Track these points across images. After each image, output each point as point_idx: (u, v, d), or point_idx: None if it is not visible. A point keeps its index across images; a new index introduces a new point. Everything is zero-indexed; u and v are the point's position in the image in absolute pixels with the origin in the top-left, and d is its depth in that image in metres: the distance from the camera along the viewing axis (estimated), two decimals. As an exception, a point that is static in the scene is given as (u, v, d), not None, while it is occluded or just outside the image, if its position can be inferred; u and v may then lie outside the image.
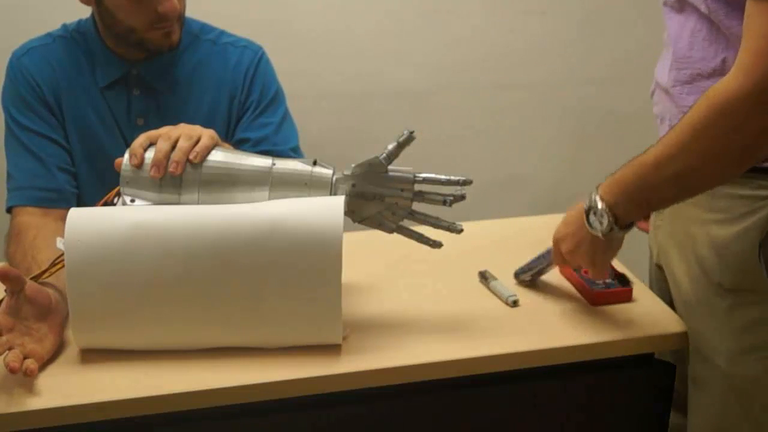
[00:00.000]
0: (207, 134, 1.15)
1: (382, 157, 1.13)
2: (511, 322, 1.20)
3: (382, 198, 1.15)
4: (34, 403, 1.02)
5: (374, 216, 1.16)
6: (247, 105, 1.51)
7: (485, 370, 1.13)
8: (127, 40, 1.42)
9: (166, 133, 1.14)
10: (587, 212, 1.10)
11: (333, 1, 2.11)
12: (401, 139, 1.13)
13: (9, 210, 1.40)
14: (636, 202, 1.05)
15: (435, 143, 2.14)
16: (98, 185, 1.41)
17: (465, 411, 1.17)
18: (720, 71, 1.04)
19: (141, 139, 1.14)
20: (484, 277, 1.30)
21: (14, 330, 1.06)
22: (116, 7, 1.38)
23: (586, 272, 1.28)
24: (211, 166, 1.13)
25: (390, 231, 1.18)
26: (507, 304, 1.24)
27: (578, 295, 1.27)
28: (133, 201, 1.12)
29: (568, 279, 1.31)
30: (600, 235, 1.09)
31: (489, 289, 1.28)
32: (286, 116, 1.55)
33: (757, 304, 1.08)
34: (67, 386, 1.05)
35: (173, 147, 1.13)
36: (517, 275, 1.30)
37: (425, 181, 1.14)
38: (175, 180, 1.12)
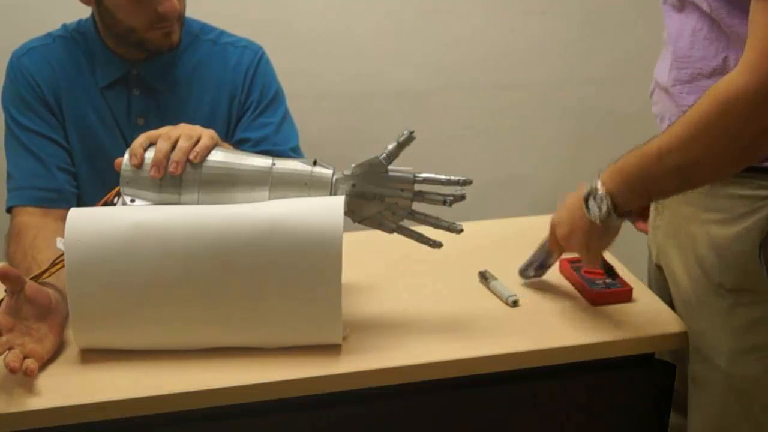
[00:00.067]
0: (207, 134, 1.15)
1: (382, 157, 1.13)
2: (511, 322, 1.20)
3: (382, 198, 1.15)
4: (34, 403, 1.02)
5: (374, 216, 1.16)
6: (247, 105, 1.51)
7: (485, 370, 1.13)
8: (127, 40, 1.42)
9: (166, 133, 1.14)
10: (587, 197, 1.10)
11: (333, 1, 2.11)
12: (401, 139, 1.13)
13: (9, 210, 1.40)
14: (637, 192, 1.07)
15: (435, 143, 2.14)
16: (98, 185, 1.41)
17: (465, 411, 1.17)
18: (720, 70, 1.04)
19: (141, 139, 1.14)
20: (484, 277, 1.30)
21: (14, 330, 1.06)
22: (116, 7, 1.38)
23: (586, 272, 1.28)
24: (211, 166, 1.13)
25: (390, 231, 1.18)
26: (507, 304, 1.24)
27: (578, 295, 1.27)
28: (133, 201, 1.12)
29: (568, 279, 1.31)
30: (597, 220, 1.09)
31: (489, 289, 1.28)
32: (286, 116, 1.55)
33: (757, 304, 1.08)
34: (67, 386, 1.05)
35: (173, 147, 1.13)
36: (521, 272, 1.30)
37: (425, 181, 1.14)
38: (175, 180, 1.12)
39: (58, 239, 1.07)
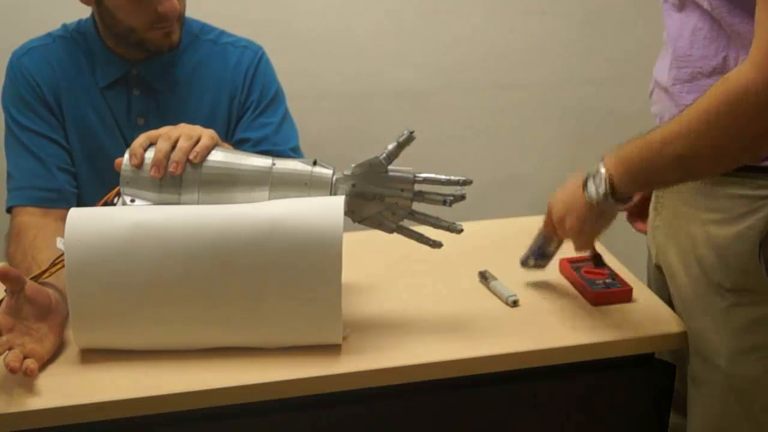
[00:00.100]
0: (207, 134, 1.15)
1: (382, 157, 1.13)
2: (511, 322, 1.20)
3: (382, 198, 1.15)
4: (34, 403, 1.02)
5: (374, 216, 1.16)
6: (247, 105, 1.51)
7: (485, 370, 1.13)
8: (127, 40, 1.42)
9: (166, 133, 1.14)
10: (587, 178, 1.11)
11: (333, 1, 2.11)
12: (401, 139, 1.13)
13: (9, 210, 1.40)
14: (639, 182, 1.08)
15: (435, 143, 2.14)
16: (98, 185, 1.41)
17: (465, 411, 1.17)
18: (721, 69, 1.04)
19: (141, 139, 1.14)
20: (484, 277, 1.30)
21: (14, 330, 1.06)
22: (116, 7, 1.38)
23: (586, 272, 1.28)
24: (211, 166, 1.13)
25: (390, 231, 1.18)
26: (507, 304, 1.24)
27: (578, 295, 1.27)
28: (133, 201, 1.12)
29: (568, 279, 1.31)
30: (593, 201, 1.10)
31: (489, 289, 1.28)
32: (286, 116, 1.55)
33: (757, 304, 1.08)
34: (67, 386, 1.05)
35: (173, 147, 1.13)
36: (522, 262, 1.30)
37: (425, 181, 1.14)
38: (175, 180, 1.12)
39: (58, 239, 1.07)
